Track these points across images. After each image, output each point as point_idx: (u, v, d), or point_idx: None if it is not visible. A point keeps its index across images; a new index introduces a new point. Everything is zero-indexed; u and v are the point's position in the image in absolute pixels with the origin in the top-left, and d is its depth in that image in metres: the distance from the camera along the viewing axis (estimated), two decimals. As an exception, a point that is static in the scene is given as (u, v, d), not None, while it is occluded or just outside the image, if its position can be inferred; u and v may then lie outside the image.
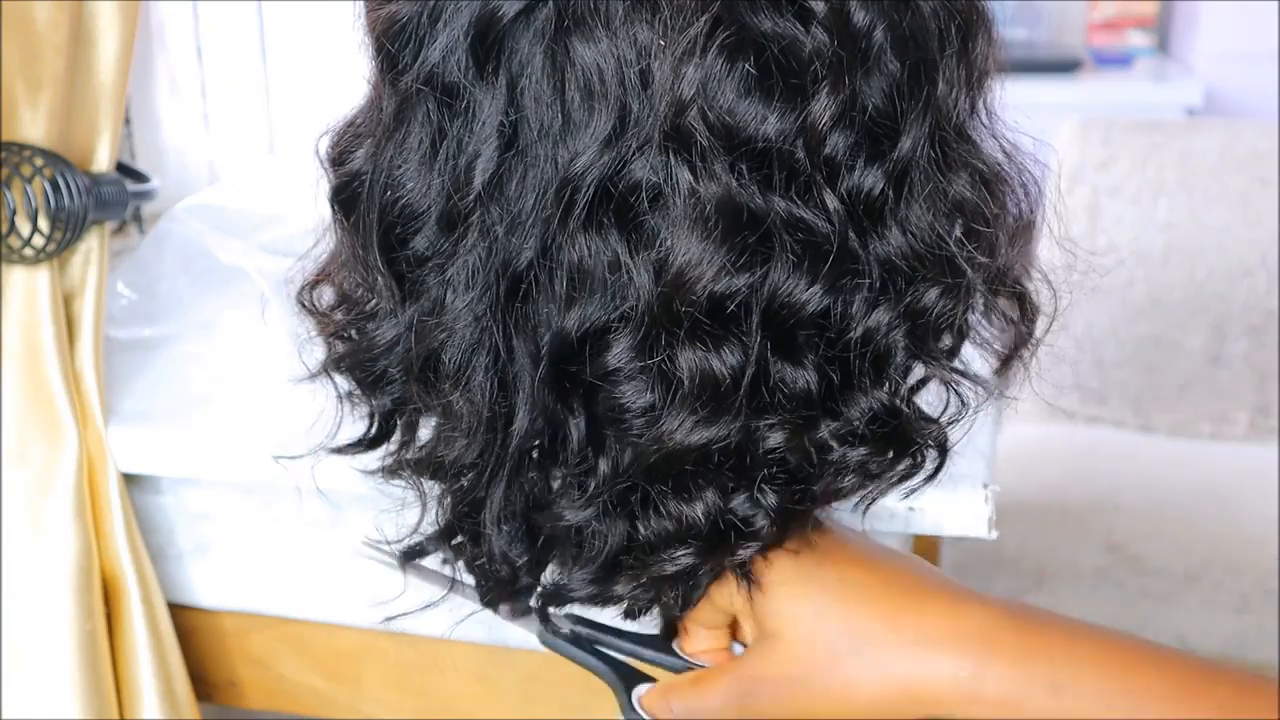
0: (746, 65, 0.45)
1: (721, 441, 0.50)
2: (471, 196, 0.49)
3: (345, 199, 0.54)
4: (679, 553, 0.52)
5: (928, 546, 1.34)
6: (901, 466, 0.54)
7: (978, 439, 0.67)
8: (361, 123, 0.54)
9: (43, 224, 0.72)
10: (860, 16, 0.47)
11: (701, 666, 0.60)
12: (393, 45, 0.50)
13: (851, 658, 0.54)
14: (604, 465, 0.52)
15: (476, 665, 0.78)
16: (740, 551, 0.53)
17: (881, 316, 0.50)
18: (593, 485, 0.52)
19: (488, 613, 0.63)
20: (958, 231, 0.51)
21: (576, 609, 0.61)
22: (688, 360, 0.48)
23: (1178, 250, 1.74)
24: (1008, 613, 0.53)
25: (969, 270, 0.51)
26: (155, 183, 0.82)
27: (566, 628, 0.63)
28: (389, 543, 0.63)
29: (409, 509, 0.59)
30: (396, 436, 0.59)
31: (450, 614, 0.63)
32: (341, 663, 0.82)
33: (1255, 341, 1.72)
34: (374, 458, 0.60)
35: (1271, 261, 1.70)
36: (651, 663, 0.62)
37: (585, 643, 0.63)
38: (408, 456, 0.58)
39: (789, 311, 0.48)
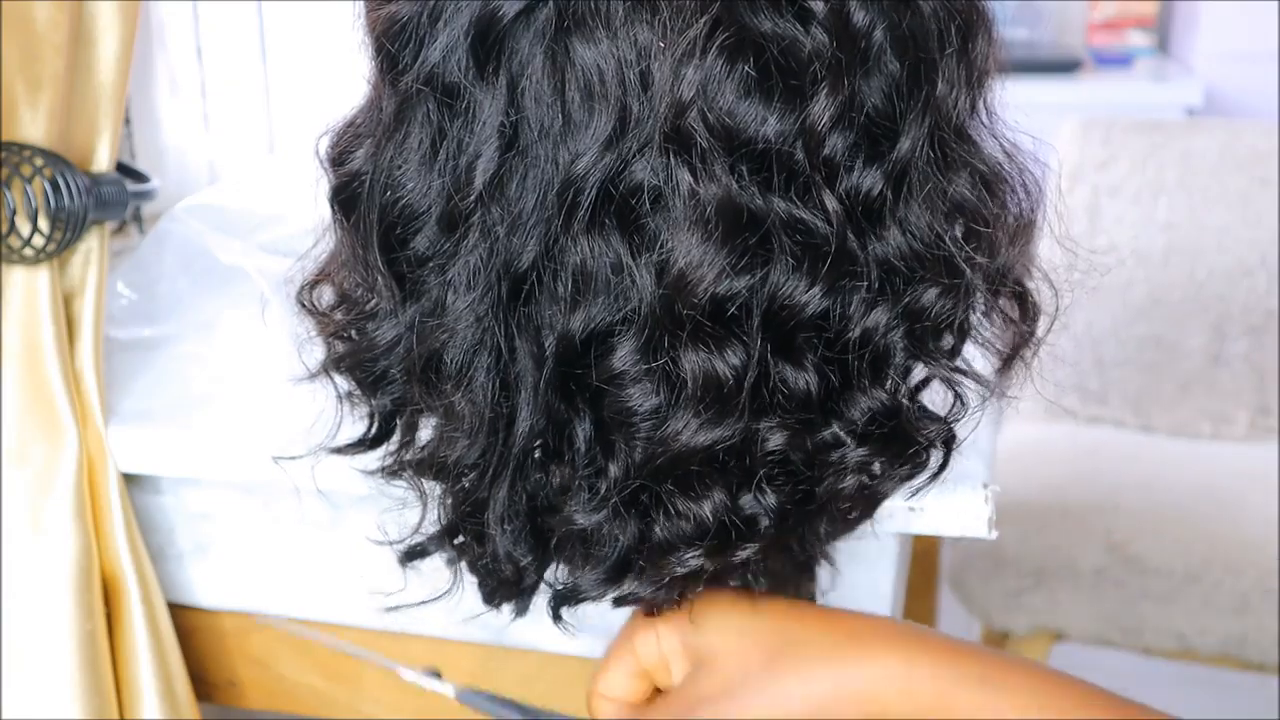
0: (746, 66, 0.45)
1: (726, 442, 0.50)
2: (472, 197, 0.49)
3: (345, 199, 0.54)
4: (688, 553, 0.53)
5: (928, 546, 1.34)
6: (903, 467, 0.54)
7: (978, 439, 0.67)
8: (361, 123, 0.54)
9: (43, 224, 0.72)
10: (860, 17, 0.47)
11: None
12: (393, 45, 0.50)
13: (784, 658, 0.55)
14: (614, 468, 0.52)
15: (476, 665, 0.78)
16: (741, 552, 0.53)
17: (880, 317, 0.50)
18: (603, 488, 0.52)
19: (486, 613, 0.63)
20: (957, 231, 0.51)
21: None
22: (691, 362, 0.48)
23: (1178, 250, 1.74)
24: (940, 633, 0.56)
25: (968, 270, 0.51)
26: (155, 183, 0.82)
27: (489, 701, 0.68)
28: (391, 543, 0.63)
29: (410, 509, 0.60)
30: (396, 437, 0.59)
31: (450, 614, 0.63)
32: (341, 663, 0.82)
33: (1255, 341, 1.72)
34: (374, 458, 0.60)
35: (1271, 261, 1.70)
36: None
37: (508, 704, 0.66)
38: (408, 457, 0.58)
39: (789, 313, 0.48)
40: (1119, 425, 1.75)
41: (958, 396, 0.55)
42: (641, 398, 0.50)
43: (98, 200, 0.74)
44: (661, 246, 0.48)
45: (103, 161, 0.75)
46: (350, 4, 0.54)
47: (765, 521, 0.52)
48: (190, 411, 0.77)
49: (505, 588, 0.59)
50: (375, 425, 0.59)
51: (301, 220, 0.85)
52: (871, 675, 0.54)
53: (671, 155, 0.46)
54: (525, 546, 0.56)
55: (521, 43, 0.48)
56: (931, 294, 0.50)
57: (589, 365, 0.50)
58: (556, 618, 0.60)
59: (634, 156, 0.47)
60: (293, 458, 0.66)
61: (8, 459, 0.75)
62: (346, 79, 0.57)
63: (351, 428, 0.60)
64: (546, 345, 0.51)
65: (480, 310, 0.50)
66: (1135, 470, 1.58)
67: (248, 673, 0.85)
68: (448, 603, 0.62)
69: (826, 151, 0.47)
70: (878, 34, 0.47)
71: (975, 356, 0.56)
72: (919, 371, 0.54)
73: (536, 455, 0.54)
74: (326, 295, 0.58)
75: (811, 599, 0.68)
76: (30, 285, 0.74)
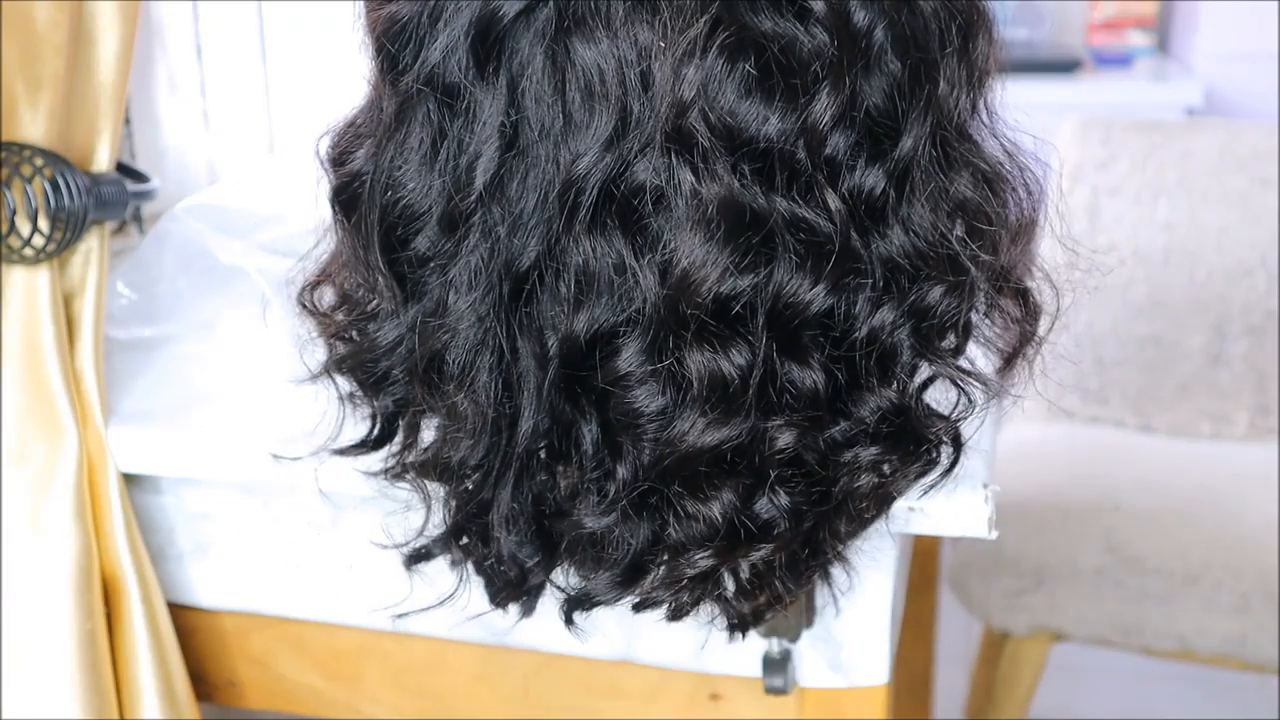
0: (747, 66, 0.45)
1: (733, 442, 0.50)
2: (473, 197, 0.49)
3: (346, 199, 0.54)
4: (698, 555, 0.52)
5: (928, 546, 1.34)
6: (916, 464, 0.54)
7: (978, 439, 0.67)
8: (362, 123, 0.54)
9: (43, 224, 0.72)
10: (860, 16, 0.47)
11: None
12: (393, 45, 0.50)
13: None
14: (622, 470, 0.52)
15: (476, 665, 0.78)
16: (755, 553, 0.53)
17: (886, 315, 0.50)
18: (612, 490, 0.52)
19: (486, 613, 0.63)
20: (960, 230, 0.51)
21: None
22: (696, 362, 0.48)
23: (1178, 250, 1.74)
24: None
25: (972, 268, 0.51)
26: (155, 183, 0.82)
27: None
28: (396, 546, 0.63)
29: (414, 511, 0.59)
30: (399, 438, 0.59)
31: (450, 614, 0.63)
32: (341, 663, 0.82)
33: (1255, 341, 1.72)
34: (377, 459, 0.60)
35: (1271, 261, 1.70)
36: None
37: None
38: (411, 459, 0.58)
39: (793, 312, 0.48)
40: (1119, 425, 1.75)
41: (964, 395, 0.55)
42: (648, 399, 0.50)
43: (98, 200, 0.74)
44: (664, 246, 0.48)
45: (103, 161, 0.75)
46: (350, 4, 0.54)
47: (782, 524, 0.52)
48: (190, 411, 0.77)
49: (511, 589, 0.59)
50: (378, 426, 0.59)
51: (302, 220, 0.85)
52: None
53: (673, 155, 0.46)
54: (532, 548, 0.56)
55: (522, 43, 0.48)
56: (936, 292, 0.50)
57: (594, 366, 0.50)
58: (569, 622, 0.60)
59: (635, 156, 0.47)
60: (294, 459, 0.66)
61: (8, 459, 0.75)
62: (346, 79, 0.57)
63: (353, 429, 0.60)
64: (550, 346, 0.51)
65: (482, 310, 0.50)
66: (1135, 470, 1.57)
67: (248, 673, 0.85)
68: (451, 604, 0.62)
69: (828, 150, 0.47)
70: (878, 33, 0.47)
71: (977, 356, 0.56)
72: (923, 371, 0.54)
73: (541, 456, 0.54)
74: (327, 296, 0.58)
75: (811, 599, 0.67)
76: (30, 285, 0.74)
